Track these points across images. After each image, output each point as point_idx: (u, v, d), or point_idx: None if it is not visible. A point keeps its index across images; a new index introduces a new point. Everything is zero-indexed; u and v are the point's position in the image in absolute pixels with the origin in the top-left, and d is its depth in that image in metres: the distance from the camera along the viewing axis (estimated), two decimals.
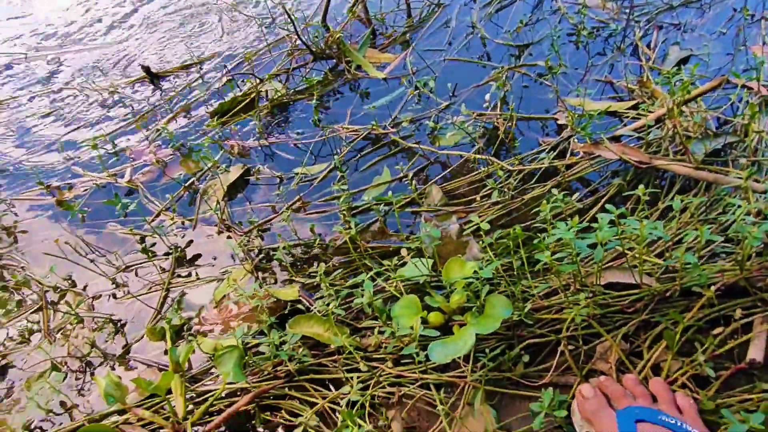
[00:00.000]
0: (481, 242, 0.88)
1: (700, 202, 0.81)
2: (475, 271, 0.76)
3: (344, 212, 0.95)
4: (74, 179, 1.31)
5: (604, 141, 0.92)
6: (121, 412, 0.83)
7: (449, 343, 0.70)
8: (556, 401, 0.64)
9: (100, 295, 1.03)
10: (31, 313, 1.04)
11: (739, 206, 0.68)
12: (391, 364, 0.77)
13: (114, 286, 1.04)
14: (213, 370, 0.86)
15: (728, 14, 1.26)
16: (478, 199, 0.97)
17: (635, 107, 1.05)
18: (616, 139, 0.98)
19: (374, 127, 1.17)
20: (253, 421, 0.77)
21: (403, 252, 0.87)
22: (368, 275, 0.79)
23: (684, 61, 1.14)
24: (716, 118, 0.97)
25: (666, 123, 0.95)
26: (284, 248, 0.96)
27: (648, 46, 1.21)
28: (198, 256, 1.05)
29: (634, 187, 0.89)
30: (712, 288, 0.67)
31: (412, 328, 0.73)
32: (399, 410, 0.71)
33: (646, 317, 0.71)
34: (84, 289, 1.05)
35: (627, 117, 1.04)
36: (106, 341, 0.95)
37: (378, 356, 0.79)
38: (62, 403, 0.87)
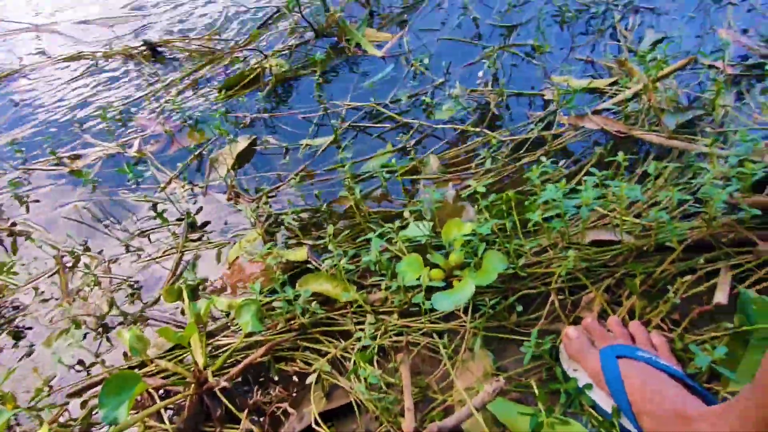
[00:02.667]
0: (476, 206, 0.96)
1: (673, 168, 0.91)
2: (473, 230, 0.84)
3: (348, 179, 1.02)
4: (84, 149, 1.34)
5: (587, 113, 1.01)
6: (141, 366, 0.89)
7: (452, 294, 0.78)
8: (545, 342, 0.73)
9: (116, 259, 1.08)
10: (49, 276, 1.08)
11: (708, 171, 0.78)
12: (397, 316, 0.85)
13: (128, 251, 1.09)
14: (228, 327, 0.93)
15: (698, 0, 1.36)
16: (473, 167, 1.05)
17: (614, 84, 1.14)
18: (597, 112, 1.07)
19: (373, 105, 1.24)
20: (270, 372, 0.84)
21: (406, 214, 0.95)
22: (375, 234, 0.86)
23: (658, 42, 1.23)
24: (687, 94, 1.07)
25: (642, 98, 1.04)
26: (292, 213, 1.03)
27: (626, 28, 1.30)
28: (208, 222, 1.11)
29: (615, 155, 0.98)
30: (683, 243, 0.77)
31: (418, 279, 0.81)
32: (407, 354, 0.80)
33: (626, 270, 0.80)
34: (100, 253, 1.10)
35: (607, 93, 1.13)
36: (124, 302, 1.01)
37: (384, 310, 0.87)
38: (81, 362, 0.93)
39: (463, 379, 0.76)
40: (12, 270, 1.09)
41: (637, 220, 0.85)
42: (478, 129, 1.12)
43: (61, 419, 0.85)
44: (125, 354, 0.93)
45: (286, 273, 0.95)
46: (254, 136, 1.26)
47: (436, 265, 0.87)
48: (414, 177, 1.07)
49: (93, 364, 0.92)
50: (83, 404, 0.86)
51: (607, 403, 0.66)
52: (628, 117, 1.04)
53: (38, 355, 0.95)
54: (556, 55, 1.28)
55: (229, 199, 1.12)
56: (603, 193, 0.81)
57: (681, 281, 0.75)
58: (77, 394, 0.87)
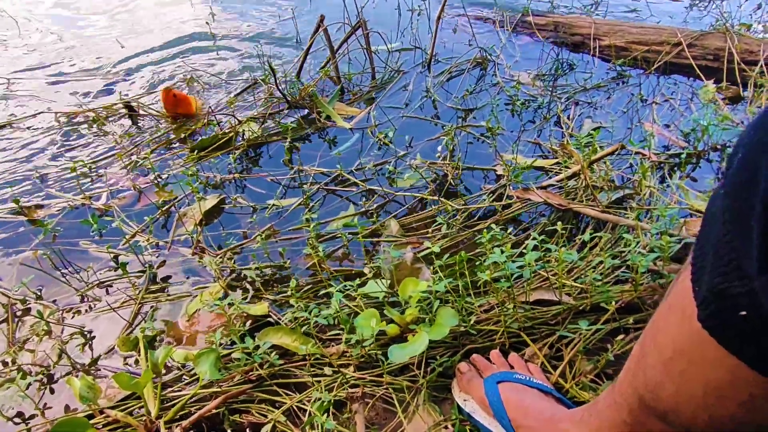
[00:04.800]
0: (431, 267, 1.02)
1: (606, 239, 1.01)
2: (429, 286, 0.90)
3: (312, 238, 1.07)
4: (48, 200, 1.35)
5: (532, 188, 1.12)
6: (90, 417, 0.87)
7: (406, 347, 0.83)
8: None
9: (71, 308, 1.07)
10: None
11: (636, 241, 0.88)
12: (353, 369, 0.88)
13: (84, 300, 1.08)
14: (183, 379, 0.93)
15: (628, 97, 1.56)
16: (430, 231, 1.13)
17: (557, 164, 1.27)
18: (542, 188, 1.18)
19: (340, 171, 1.32)
20: (224, 423, 0.84)
21: (366, 270, 1.00)
22: (336, 288, 0.90)
23: (595, 130, 1.40)
24: (618, 176, 1.21)
25: (580, 177, 1.16)
26: (256, 268, 1.06)
27: (568, 117, 1.47)
28: (170, 276, 1.12)
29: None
30: (613, 304, 0.85)
31: (374, 335, 0.85)
32: (362, 404, 0.82)
33: (565, 329, 0.87)
34: (54, 302, 1.09)
35: (551, 171, 1.26)
36: (75, 352, 0.99)
37: (342, 362, 0.89)
38: (20, 413, 0.90)
39: (414, 429, 0.78)
40: None
41: (575, 283, 0.93)
42: (435, 197, 1.21)
43: None
44: (67, 407, 0.90)
45: (246, 326, 0.97)
46: (223, 195, 1.31)
47: (392, 321, 0.91)
48: (375, 239, 1.14)
49: (33, 416, 0.89)
50: None
51: (491, 425, 0.74)
52: (568, 193, 1.16)
53: None
54: (507, 136, 1.42)
55: (193, 254, 1.14)
56: (545, 257, 0.90)
57: (616, 340, 0.83)
58: None
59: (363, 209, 1.22)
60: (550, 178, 1.24)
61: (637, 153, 1.27)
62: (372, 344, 0.89)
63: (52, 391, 0.93)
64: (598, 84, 1.63)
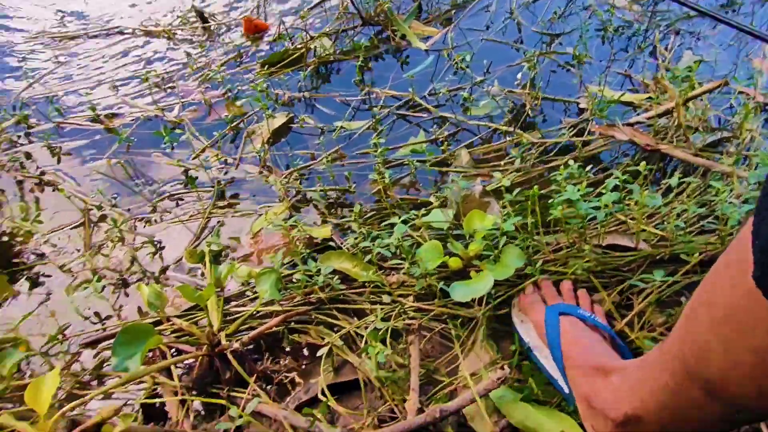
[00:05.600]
0: (501, 202, 0.97)
1: (696, 185, 0.91)
2: (496, 222, 0.85)
3: (379, 164, 1.03)
4: (122, 110, 1.38)
5: (618, 124, 1.02)
6: (156, 324, 0.91)
7: (470, 285, 0.80)
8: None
9: (143, 218, 1.11)
10: (73, 227, 1.11)
11: (729, 189, 0.79)
12: (412, 299, 0.87)
13: (155, 211, 1.12)
14: (245, 295, 0.95)
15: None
16: (502, 164, 1.06)
17: (649, 99, 1.14)
18: (629, 125, 1.07)
19: (412, 95, 1.26)
20: (282, 342, 0.86)
21: (432, 200, 0.97)
22: (400, 219, 0.87)
23: (695, 64, 1.23)
24: (716, 117, 1.08)
25: (673, 115, 1.04)
26: (321, 191, 1.04)
27: (665, 48, 1.30)
28: (237, 194, 1.13)
29: None
30: (695, 256, 0.77)
31: (437, 267, 0.82)
32: (418, 336, 0.81)
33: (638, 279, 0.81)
34: (127, 211, 1.13)
35: (640, 107, 1.13)
36: (145, 260, 1.03)
37: (401, 292, 0.88)
38: (97, 314, 0.96)
39: (469, 365, 0.77)
40: (37, 218, 1.12)
41: (655, 230, 0.85)
42: (511, 128, 1.13)
43: (73, 367, 0.87)
44: (140, 310, 0.95)
45: (309, 248, 0.97)
46: (291, 114, 1.28)
47: (455, 254, 0.88)
48: (444, 169, 1.08)
49: (108, 317, 0.95)
50: (96, 355, 0.88)
51: (542, 352, 0.73)
52: (658, 132, 1.05)
53: (55, 303, 0.98)
54: (594, 66, 1.28)
55: (260, 172, 1.14)
56: (624, 199, 0.82)
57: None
58: (91, 344, 0.89)
59: (433, 137, 1.16)
60: (639, 114, 1.11)
61: (740, 92, 1.11)
62: (433, 276, 0.87)
63: (126, 295, 0.99)
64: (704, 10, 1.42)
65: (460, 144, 1.14)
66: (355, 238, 0.94)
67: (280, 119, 1.26)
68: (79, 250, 1.06)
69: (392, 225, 0.91)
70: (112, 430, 0.65)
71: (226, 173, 1.17)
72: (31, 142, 1.29)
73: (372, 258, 0.86)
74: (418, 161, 1.08)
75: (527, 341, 0.76)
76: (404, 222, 0.87)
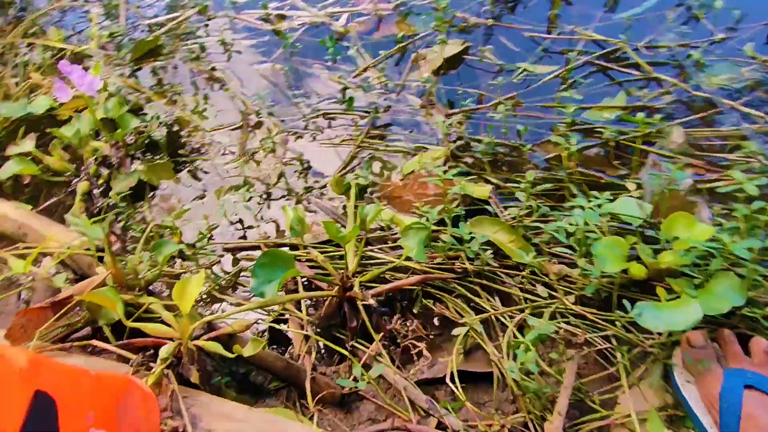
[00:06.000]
0: (717, 207, 0.76)
1: None
2: (714, 235, 0.66)
3: (565, 123, 0.85)
4: (291, 11, 1.31)
5: None
6: (293, 248, 0.87)
7: (667, 311, 0.63)
8: None
9: (296, 133, 1.06)
10: (232, 129, 1.10)
11: None
12: (573, 299, 0.73)
13: (307, 128, 1.06)
14: (385, 241, 0.87)
15: None
16: (733, 157, 0.82)
17: None
18: None
19: (622, 44, 1.02)
20: (414, 304, 0.78)
21: (629, 185, 0.78)
22: (588, 204, 0.71)
23: None
24: None
25: None
26: (487, 143, 0.90)
27: None
28: (390, 124, 1.03)
29: None
30: None
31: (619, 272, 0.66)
32: (578, 352, 0.67)
33: None
34: (282, 122, 1.09)
35: None
36: (292, 177, 0.99)
37: (562, 287, 0.74)
38: (241, 221, 0.94)
39: (633, 401, 0.63)
40: (204, 114, 1.12)
41: None
42: (755, 111, 0.86)
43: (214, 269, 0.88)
44: (278, 227, 0.92)
45: (463, 207, 0.85)
46: (468, 43, 1.11)
47: (638, 259, 0.71)
48: (646, 148, 0.87)
49: (250, 227, 0.93)
50: (235, 261, 0.88)
51: (710, 429, 0.56)
52: None
53: (207, 202, 0.98)
54: None
55: (422, 106, 1.02)
56: None
57: None
58: (233, 251, 0.89)
59: (639, 102, 0.94)
60: None
61: None
62: (606, 279, 0.71)
63: (268, 207, 0.96)
64: None
65: (674, 120, 0.90)
66: (519, 210, 0.80)
67: (453, 47, 1.10)
68: (233, 153, 1.05)
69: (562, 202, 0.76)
70: (241, 349, 0.64)
71: (385, 99, 1.06)
72: (207, 35, 1.28)
73: (535, 239, 0.72)
74: (615, 131, 0.88)
75: (695, 412, 0.59)
76: (591, 209, 0.71)
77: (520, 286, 0.76)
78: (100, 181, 0.99)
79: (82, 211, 0.93)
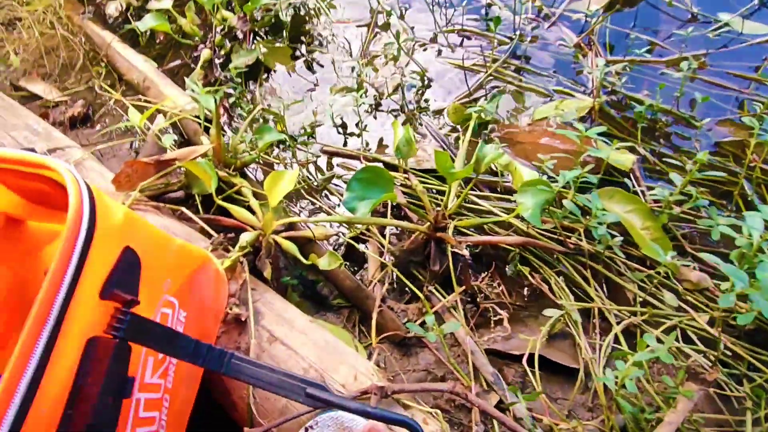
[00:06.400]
0: None
1: None
2: None
3: (762, 104, 0.67)
4: None
5: None
6: (392, 168, 0.80)
7: None
8: None
9: (423, 44, 0.95)
10: (358, 26, 1.01)
11: None
12: (706, 319, 0.59)
13: (436, 41, 0.94)
14: (495, 188, 0.77)
15: None
16: None
17: None
18: None
19: None
20: (507, 267, 0.68)
21: None
22: None
23: None
24: None
25: None
26: (647, 107, 0.74)
27: None
28: (530, 58, 0.88)
29: None
30: None
31: None
32: (702, 389, 0.55)
33: None
34: (412, 29, 0.97)
35: None
36: (410, 91, 0.90)
37: (694, 299, 0.61)
38: (344, 125, 0.87)
39: None
40: (332, 3, 1.04)
41: None
42: None
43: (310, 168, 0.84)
44: (381, 141, 0.85)
45: (593, 172, 0.72)
46: None
47: None
48: None
49: (353, 135, 0.86)
50: (330, 166, 0.83)
51: None
52: None
53: (316, 97, 0.92)
54: None
55: (577, 45, 0.86)
56: None
57: None
58: (331, 154, 0.84)
59: None
60: None
61: None
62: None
63: (375, 117, 0.89)
64: None
65: None
66: (670, 194, 0.65)
67: None
68: (353, 53, 0.96)
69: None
70: (317, 258, 0.62)
71: (534, 27, 0.91)
72: None
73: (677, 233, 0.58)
74: None
75: None
76: None
77: (641, 284, 0.64)
78: (222, 52, 0.96)
79: (200, 78, 0.92)
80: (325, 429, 0.42)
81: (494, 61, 0.87)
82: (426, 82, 0.91)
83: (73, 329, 0.29)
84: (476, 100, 0.86)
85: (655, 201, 0.66)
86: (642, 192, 0.69)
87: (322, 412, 0.43)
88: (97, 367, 0.30)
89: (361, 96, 0.83)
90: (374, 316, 0.62)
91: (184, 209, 0.65)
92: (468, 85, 0.87)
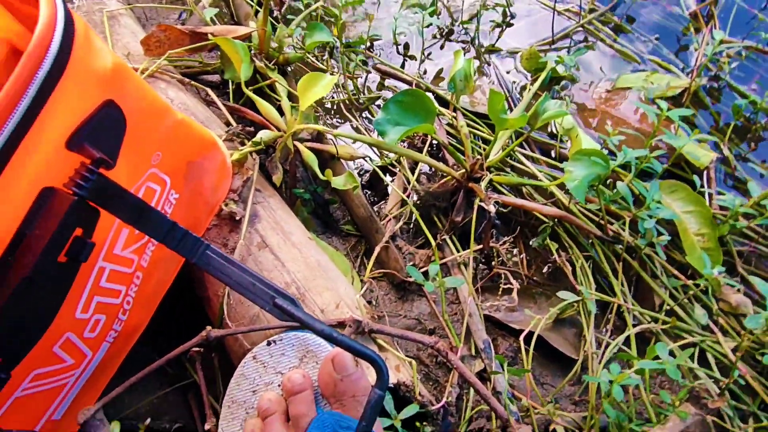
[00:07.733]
0: None
1: None
2: None
3: None
4: None
5: None
6: (439, 100, 0.73)
7: None
8: None
9: None
10: None
11: None
12: (732, 347, 0.53)
13: None
14: (549, 151, 0.69)
15: None
16: None
17: None
18: None
19: None
20: (536, 238, 0.62)
21: None
22: None
23: None
24: None
25: None
26: (753, 101, 0.63)
27: None
28: (633, 20, 0.77)
29: None
30: None
31: None
32: (698, 414, 0.50)
33: None
34: None
35: None
36: (487, 25, 0.81)
37: (725, 322, 0.54)
38: (407, 45, 0.80)
39: None
40: None
41: None
42: None
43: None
44: (439, 73, 0.78)
45: (661, 161, 0.64)
46: None
47: None
48: None
49: (413, 58, 0.80)
50: (380, 86, 0.77)
51: None
52: None
53: (384, 4, 0.85)
54: None
55: (692, 15, 0.74)
56: None
57: None
58: (382, 73, 0.78)
59: None
60: None
61: None
62: None
63: (441, 46, 0.81)
64: None
65: None
66: (742, 204, 0.57)
67: None
68: None
69: None
70: (333, 176, 0.57)
71: None
72: None
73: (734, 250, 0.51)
74: None
75: None
76: None
77: (674, 291, 0.57)
78: None
79: None
80: (288, 346, 0.40)
81: (591, 11, 0.77)
82: (507, 18, 0.81)
83: (27, 171, 0.27)
84: (558, 50, 0.76)
85: (722, 208, 0.58)
86: (710, 195, 0.60)
87: (290, 330, 0.41)
88: (47, 220, 0.28)
89: (431, 14, 0.75)
90: (377, 249, 0.58)
91: (209, 90, 0.62)
92: (553, 32, 0.77)
